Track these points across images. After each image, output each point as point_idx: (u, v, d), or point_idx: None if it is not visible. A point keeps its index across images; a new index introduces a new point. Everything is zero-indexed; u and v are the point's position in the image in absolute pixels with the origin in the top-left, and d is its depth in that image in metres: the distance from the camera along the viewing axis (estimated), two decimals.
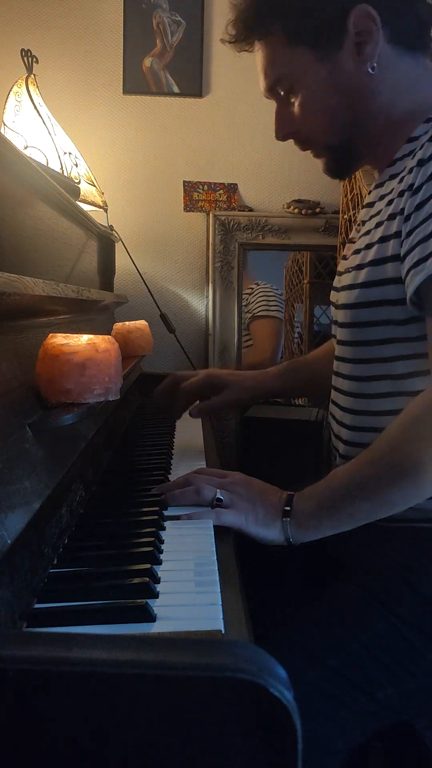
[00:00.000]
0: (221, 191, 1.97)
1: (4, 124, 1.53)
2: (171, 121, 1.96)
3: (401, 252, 0.77)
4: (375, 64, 0.83)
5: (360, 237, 0.90)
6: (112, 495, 0.86)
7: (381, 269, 0.81)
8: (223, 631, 0.50)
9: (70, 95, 1.91)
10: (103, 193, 1.76)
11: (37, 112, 1.52)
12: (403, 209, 0.77)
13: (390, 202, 0.82)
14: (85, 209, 1.41)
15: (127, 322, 1.34)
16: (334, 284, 0.99)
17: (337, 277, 0.97)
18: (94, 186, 1.71)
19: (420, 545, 0.80)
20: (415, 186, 0.75)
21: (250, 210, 1.97)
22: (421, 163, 0.75)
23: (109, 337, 0.75)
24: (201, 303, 2.02)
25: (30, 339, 0.77)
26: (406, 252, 0.75)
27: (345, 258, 0.95)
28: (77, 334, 0.73)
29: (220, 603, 0.54)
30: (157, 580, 0.59)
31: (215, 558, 0.64)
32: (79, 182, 1.54)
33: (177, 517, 0.75)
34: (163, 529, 0.72)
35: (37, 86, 1.57)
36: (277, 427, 1.85)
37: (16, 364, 0.70)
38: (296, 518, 0.75)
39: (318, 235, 1.95)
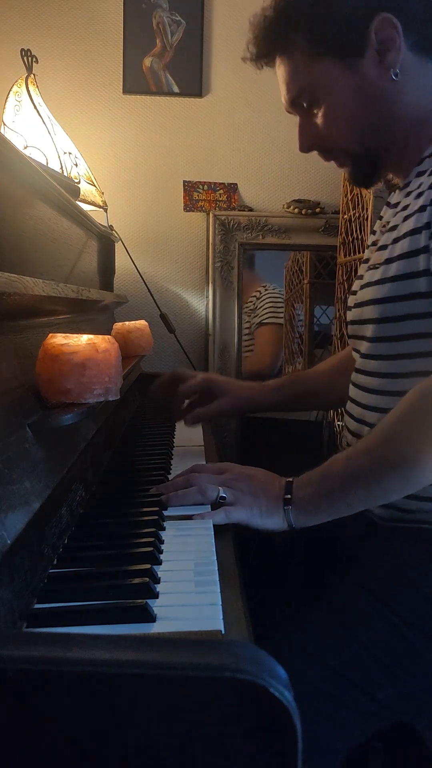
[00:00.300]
0: (221, 191, 1.97)
1: (4, 124, 1.53)
2: (171, 121, 1.96)
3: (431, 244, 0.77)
4: (398, 71, 0.83)
5: (385, 233, 0.90)
6: (112, 495, 0.86)
7: (413, 261, 0.81)
8: (223, 632, 0.50)
9: (70, 95, 1.91)
10: (103, 193, 1.76)
11: (37, 111, 1.52)
12: None
13: (419, 195, 0.82)
14: (85, 209, 1.41)
15: (127, 322, 1.34)
16: (350, 303, 0.98)
17: (357, 282, 0.97)
18: (94, 186, 1.71)
19: (424, 545, 0.80)
20: None
21: (250, 210, 1.97)
22: None
23: (109, 337, 0.75)
24: (201, 303, 2.02)
25: (30, 339, 0.77)
26: None
27: (367, 261, 0.95)
28: (77, 334, 0.73)
29: (220, 603, 0.54)
30: (157, 580, 0.59)
31: (215, 558, 0.64)
32: (79, 182, 1.54)
33: (189, 517, 0.75)
34: (163, 529, 0.73)
35: (37, 86, 1.57)
36: (277, 427, 1.85)
37: (16, 364, 0.70)
38: (296, 505, 0.77)
39: (318, 235, 1.95)
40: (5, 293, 0.61)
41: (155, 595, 0.56)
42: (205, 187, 1.97)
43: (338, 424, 1.75)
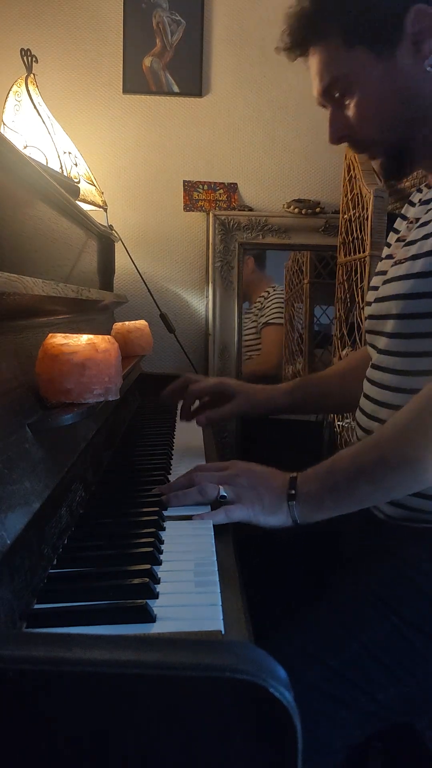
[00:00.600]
0: (221, 191, 1.97)
1: (4, 124, 1.53)
2: (171, 120, 1.96)
3: None
4: None
5: (414, 229, 0.90)
6: (112, 495, 0.86)
7: None
8: (223, 632, 0.50)
9: (70, 95, 1.91)
10: (102, 193, 1.76)
11: (37, 111, 1.52)
12: None
13: None
14: (84, 209, 1.41)
15: (127, 322, 1.34)
16: (369, 299, 0.98)
17: (378, 278, 0.96)
18: (94, 185, 1.71)
19: (426, 545, 0.80)
20: None
21: (250, 210, 1.97)
22: None
23: (109, 337, 0.75)
24: (201, 303, 2.02)
25: (30, 339, 0.77)
26: None
27: (390, 257, 0.94)
28: (77, 334, 0.73)
29: (220, 603, 0.54)
30: (157, 581, 0.59)
31: (215, 558, 0.64)
32: (78, 182, 1.54)
33: (189, 517, 0.75)
34: (163, 529, 0.72)
35: (37, 86, 1.57)
36: (277, 427, 1.85)
37: (16, 364, 0.70)
38: (301, 500, 0.76)
39: (318, 235, 1.95)
40: (5, 293, 0.61)
41: (155, 596, 0.56)
42: (205, 186, 1.97)
43: (338, 425, 1.75)
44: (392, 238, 1.00)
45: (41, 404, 0.71)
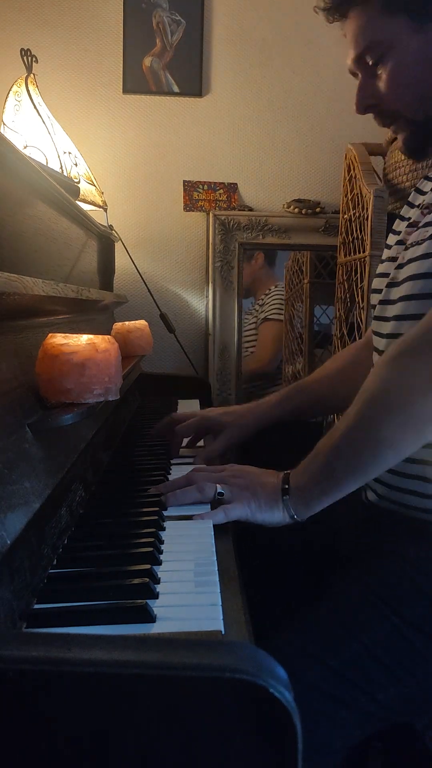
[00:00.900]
0: (221, 191, 1.97)
1: (4, 124, 1.53)
2: (171, 120, 1.96)
3: None
4: None
5: (429, 214, 0.89)
6: (112, 495, 0.86)
7: None
8: (223, 632, 0.50)
9: (70, 95, 1.91)
10: (102, 193, 1.76)
11: (37, 111, 1.52)
12: None
13: None
14: (84, 209, 1.41)
15: (126, 322, 1.34)
16: (375, 286, 0.97)
17: (386, 265, 0.96)
18: (94, 185, 1.70)
19: (428, 544, 0.80)
20: None
21: (250, 210, 1.97)
22: None
23: (109, 337, 0.75)
24: (201, 303, 2.02)
25: (30, 339, 0.77)
26: None
27: (402, 243, 0.94)
28: (77, 334, 0.73)
29: (220, 603, 0.54)
30: (157, 581, 0.59)
31: (215, 558, 0.64)
32: (78, 182, 1.54)
33: (189, 517, 0.75)
34: (163, 529, 0.72)
35: (37, 86, 1.57)
36: (277, 427, 1.84)
37: (16, 364, 0.70)
38: (295, 495, 0.77)
39: (318, 235, 1.95)
40: (5, 293, 0.61)
41: (155, 596, 0.56)
42: (205, 186, 1.97)
43: None
44: (391, 239, 0.99)
45: (41, 404, 0.71)
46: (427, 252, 0.84)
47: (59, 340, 0.71)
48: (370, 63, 0.88)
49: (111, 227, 1.70)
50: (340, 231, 1.77)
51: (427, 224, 0.88)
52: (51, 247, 1.06)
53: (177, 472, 0.97)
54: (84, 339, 0.72)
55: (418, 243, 0.88)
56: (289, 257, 2.28)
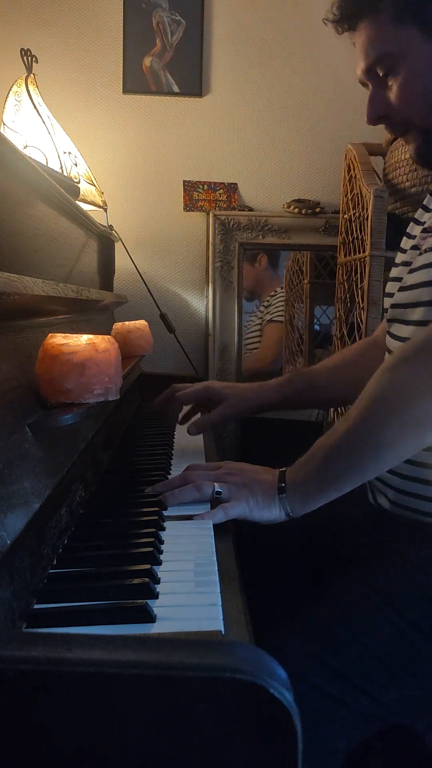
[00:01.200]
0: (221, 191, 1.97)
1: (4, 124, 1.53)
2: (171, 120, 1.96)
3: None
4: None
5: None
6: (112, 495, 0.86)
7: None
8: (222, 632, 0.50)
9: (70, 95, 1.91)
10: (102, 193, 1.76)
11: (37, 111, 1.52)
12: None
13: None
14: (84, 209, 1.41)
15: (126, 322, 1.34)
16: (389, 290, 0.97)
17: (400, 269, 0.96)
18: (94, 185, 1.70)
19: (430, 545, 0.80)
20: None
21: (250, 210, 1.97)
22: None
23: (109, 337, 0.75)
24: (201, 303, 2.02)
25: (30, 339, 0.77)
26: None
27: (416, 248, 0.94)
28: (77, 334, 0.73)
29: (220, 603, 0.54)
30: (157, 581, 0.59)
31: (215, 558, 0.64)
32: (78, 182, 1.54)
33: (188, 517, 0.75)
34: (163, 529, 0.72)
35: (37, 86, 1.57)
36: (277, 427, 1.85)
37: (16, 364, 0.70)
38: (290, 491, 0.77)
39: (318, 235, 1.95)
40: (5, 293, 0.61)
41: (155, 596, 0.56)
42: (205, 186, 1.97)
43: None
44: (406, 243, 0.99)
45: (41, 404, 0.71)
46: None
47: (59, 340, 0.71)
48: (381, 74, 0.88)
49: (111, 227, 1.70)
50: (340, 231, 1.77)
51: None
52: (51, 247, 1.06)
53: (177, 472, 0.97)
54: (84, 339, 0.72)
55: (431, 249, 0.88)
56: (289, 257, 2.28)
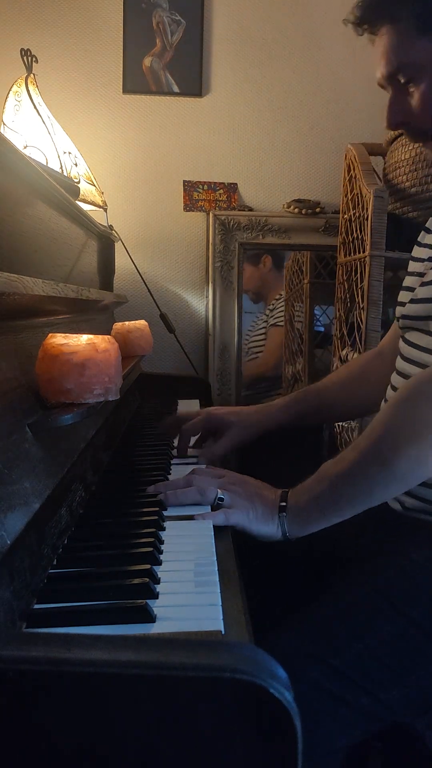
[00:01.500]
0: (221, 191, 1.97)
1: (4, 124, 1.53)
2: (171, 120, 1.96)
3: None
4: None
5: None
6: (112, 495, 0.86)
7: None
8: (222, 632, 0.50)
9: (70, 95, 1.91)
10: (102, 193, 1.76)
11: (37, 111, 1.52)
12: None
13: None
14: (84, 209, 1.41)
15: (126, 322, 1.34)
16: (401, 298, 0.97)
17: (413, 279, 0.96)
18: (94, 185, 1.70)
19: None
20: None
21: (250, 210, 1.97)
22: None
23: (109, 337, 0.75)
24: (201, 303, 2.02)
25: (30, 339, 0.77)
26: None
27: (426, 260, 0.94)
28: (77, 334, 0.73)
29: (220, 603, 0.54)
30: (157, 581, 0.59)
31: (215, 558, 0.64)
32: (78, 182, 1.53)
33: (189, 517, 0.75)
34: (163, 529, 0.72)
35: (37, 86, 1.57)
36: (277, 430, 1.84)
37: (16, 364, 0.70)
38: (291, 513, 0.77)
39: (318, 235, 1.95)
40: (5, 293, 0.61)
41: (155, 596, 0.56)
42: (205, 186, 1.97)
43: (338, 424, 1.75)
44: (421, 252, 0.98)
45: (41, 404, 0.71)
46: None
47: (59, 340, 0.71)
48: (402, 81, 0.87)
49: (111, 227, 1.70)
50: (340, 231, 1.77)
51: None
52: (51, 247, 1.06)
53: (177, 472, 0.97)
54: (84, 339, 0.72)
55: None
56: (289, 257, 2.28)
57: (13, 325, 0.74)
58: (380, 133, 1.68)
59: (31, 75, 1.57)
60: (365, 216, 1.53)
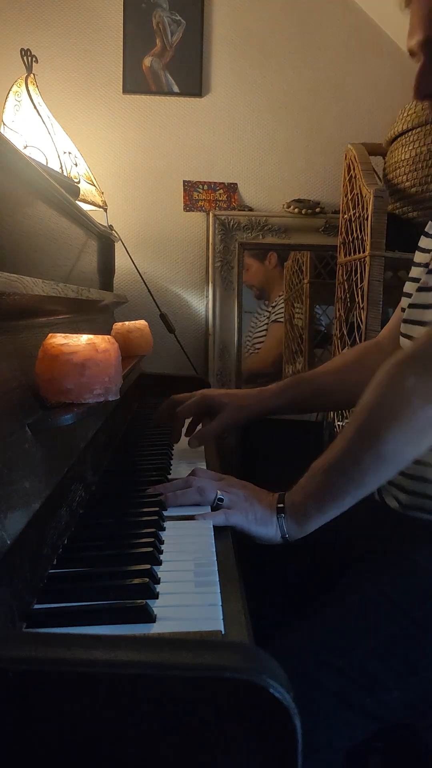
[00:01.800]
0: (221, 191, 1.97)
1: (4, 124, 1.53)
2: (171, 120, 1.96)
3: None
4: None
5: None
6: (112, 495, 0.86)
7: None
8: (222, 632, 0.50)
9: (70, 95, 1.91)
10: (102, 193, 1.76)
11: (37, 111, 1.52)
12: None
13: None
14: (84, 209, 1.41)
15: (126, 322, 1.34)
16: (407, 289, 0.97)
17: (420, 270, 0.95)
18: (94, 185, 1.70)
19: None
20: None
21: (250, 210, 1.97)
22: None
23: (109, 337, 0.75)
24: (201, 303, 2.02)
25: (30, 339, 0.77)
26: None
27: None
28: (77, 334, 0.73)
29: (220, 603, 0.54)
30: (157, 581, 0.59)
31: (215, 558, 0.64)
32: (78, 182, 1.54)
33: (189, 517, 0.75)
34: (163, 529, 0.72)
35: (37, 86, 1.57)
36: (276, 428, 1.85)
37: (16, 364, 0.70)
38: (289, 513, 0.77)
39: (318, 235, 1.95)
40: (5, 293, 0.61)
41: (155, 596, 0.56)
42: (205, 186, 1.97)
43: (338, 425, 1.75)
44: (424, 242, 0.98)
45: (41, 404, 0.71)
46: None
47: (59, 340, 0.71)
48: None
49: (111, 227, 1.70)
50: (340, 231, 1.77)
51: None
52: (51, 247, 1.06)
53: (177, 472, 0.97)
54: (84, 339, 0.71)
55: None
56: (289, 257, 2.28)
57: (13, 325, 0.74)
58: (380, 133, 1.68)
59: (31, 75, 1.57)
60: (365, 216, 1.53)
